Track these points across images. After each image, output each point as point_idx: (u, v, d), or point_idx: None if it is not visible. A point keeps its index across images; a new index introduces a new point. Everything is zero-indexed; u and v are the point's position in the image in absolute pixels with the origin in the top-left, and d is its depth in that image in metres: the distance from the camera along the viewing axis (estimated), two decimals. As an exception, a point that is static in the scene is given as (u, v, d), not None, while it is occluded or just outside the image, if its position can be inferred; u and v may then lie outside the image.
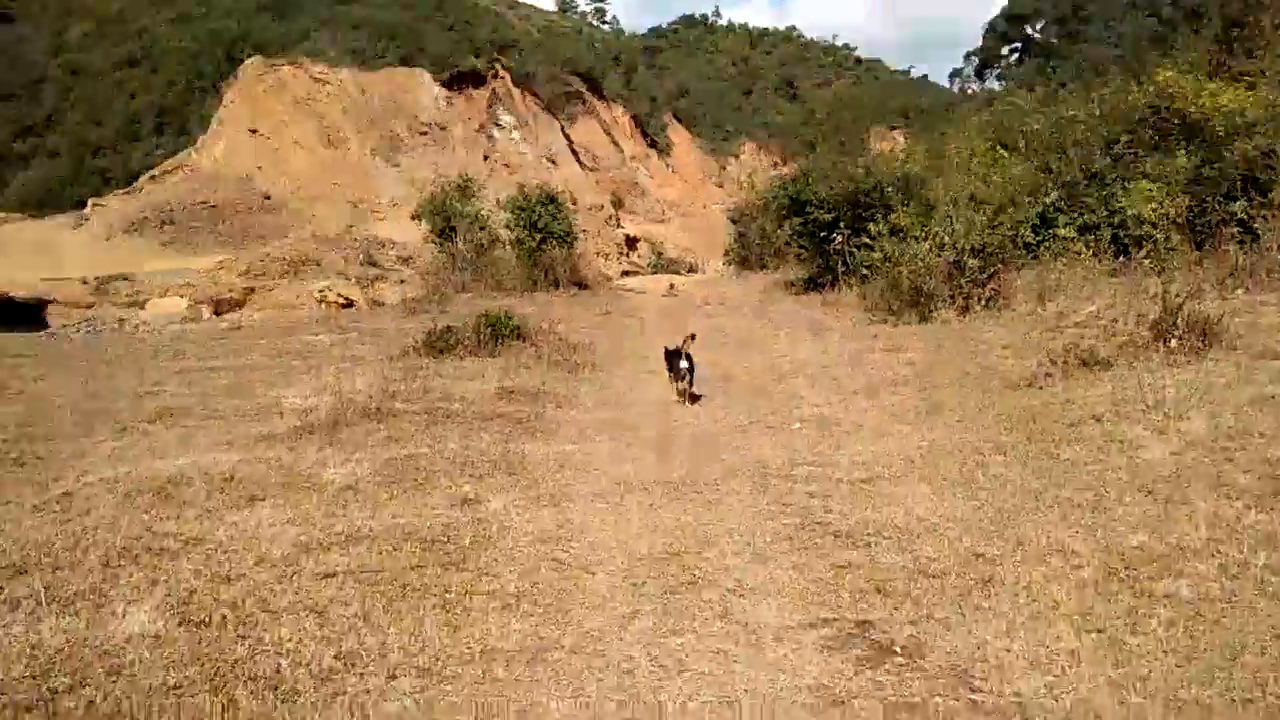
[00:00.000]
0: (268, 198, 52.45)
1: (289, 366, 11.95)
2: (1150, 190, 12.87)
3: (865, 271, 15.92)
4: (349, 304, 25.29)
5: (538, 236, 21.65)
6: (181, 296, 29.38)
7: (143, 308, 29.42)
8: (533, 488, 5.76)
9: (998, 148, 18.60)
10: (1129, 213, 13.06)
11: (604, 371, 10.36)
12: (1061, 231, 13.81)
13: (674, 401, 8.78)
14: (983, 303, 12.70)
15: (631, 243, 59.31)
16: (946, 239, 13.19)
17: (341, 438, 6.79)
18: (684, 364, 8.80)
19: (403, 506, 5.27)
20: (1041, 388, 7.73)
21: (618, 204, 72.61)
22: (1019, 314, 12.23)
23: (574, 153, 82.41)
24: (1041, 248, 15.26)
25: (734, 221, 29.99)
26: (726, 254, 29.93)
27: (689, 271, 40.05)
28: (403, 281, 25.56)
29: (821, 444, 6.60)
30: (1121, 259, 12.93)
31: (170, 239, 43.69)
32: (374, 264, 28.30)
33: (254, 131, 67.22)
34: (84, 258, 41.43)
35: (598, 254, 51.49)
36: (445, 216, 25.01)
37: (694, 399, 8.89)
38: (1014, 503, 4.96)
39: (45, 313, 28.02)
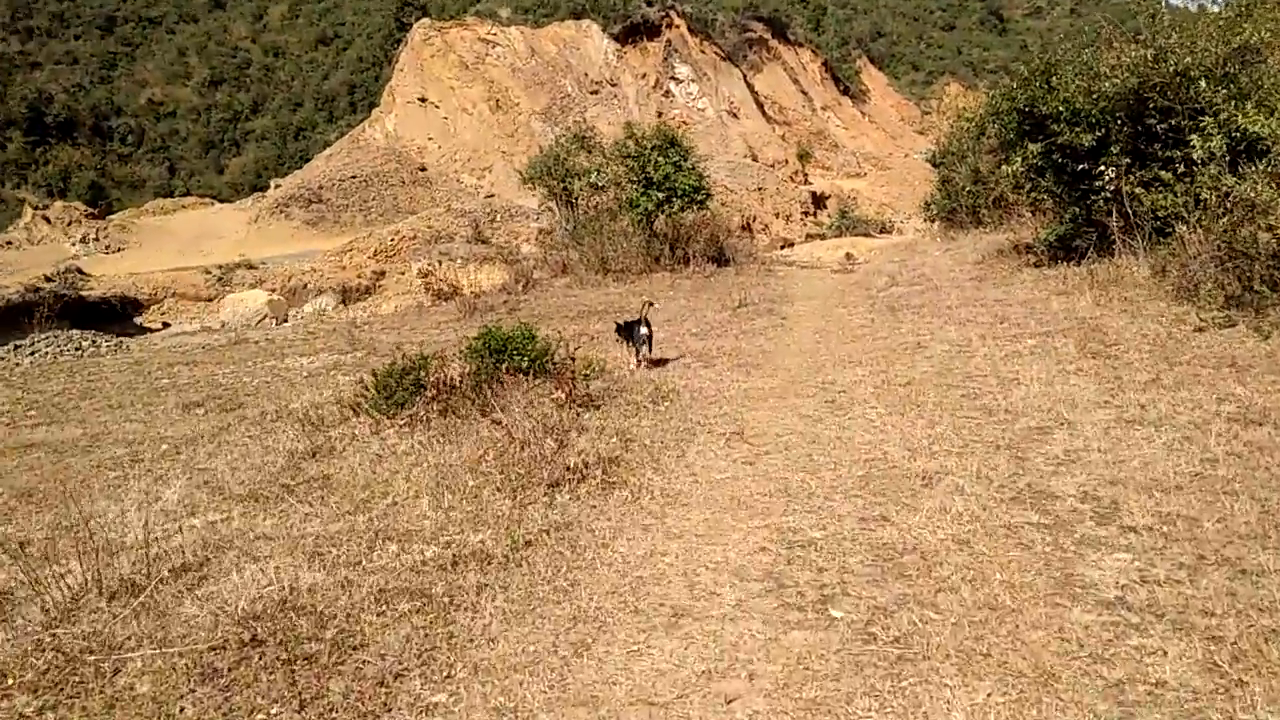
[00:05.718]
0: (423, 169, 49.15)
1: (170, 442, 7.05)
2: None
3: (1165, 227, 9.41)
4: (454, 291, 20.57)
5: (657, 196, 15.88)
6: (265, 289, 25.78)
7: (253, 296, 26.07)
8: None
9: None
10: None
11: (630, 497, 4.55)
12: None
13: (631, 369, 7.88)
14: None
15: (819, 201, 52.04)
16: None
17: None
18: (644, 330, 8.10)
19: None
20: None
21: (804, 158, 65.34)
22: None
23: (758, 104, 75.32)
24: None
25: (935, 165, 22.84)
26: (927, 207, 22.80)
27: (881, 232, 32.79)
28: (518, 261, 20.61)
29: None
30: None
31: (316, 218, 40.89)
32: (484, 241, 23.46)
33: (423, 100, 64.80)
34: (232, 244, 39.64)
35: (777, 215, 45.07)
36: (560, 178, 19.88)
37: (655, 364, 8.16)
38: None
39: (142, 313, 25.13)
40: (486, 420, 6.06)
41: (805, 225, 45.90)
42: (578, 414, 6.05)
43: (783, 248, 30.28)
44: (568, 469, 4.77)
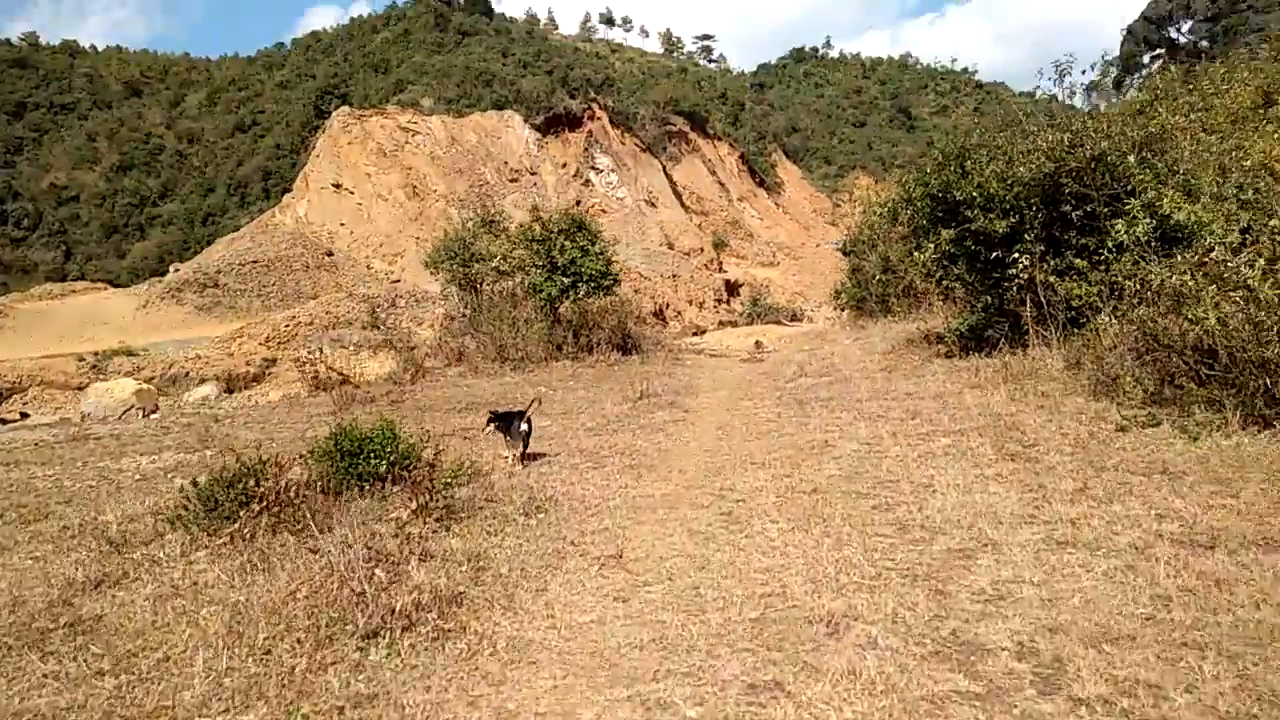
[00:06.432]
0: (329, 254, 47.82)
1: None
2: None
3: (1080, 317, 9.15)
4: (343, 380, 19.38)
5: (563, 281, 15.19)
6: (142, 378, 24.10)
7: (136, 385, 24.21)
8: None
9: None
10: None
11: (465, 652, 3.61)
12: None
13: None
14: None
15: (732, 289, 52.39)
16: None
17: None
18: (524, 426, 7.38)
19: None
20: None
21: (720, 246, 66.16)
22: None
23: (676, 194, 76.35)
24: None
25: (846, 254, 22.79)
26: (837, 296, 22.68)
27: (791, 320, 32.76)
28: (411, 348, 19.60)
29: None
30: None
31: (210, 304, 39.10)
32: (377, 326, 22.41)
33: (338, 186, 63.74)
34: (118, 330, 37.56)
35: (691, 302, 45.01)
36: (465, 262, 19.09)
37: (531, 459, 7.48)
38: None
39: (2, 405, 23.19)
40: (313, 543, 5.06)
41: (718, 312, 45.96)
42: (424, 536, 5.08)
43: (695, 335, 29.95)
44: (392, 612, 3.81)
